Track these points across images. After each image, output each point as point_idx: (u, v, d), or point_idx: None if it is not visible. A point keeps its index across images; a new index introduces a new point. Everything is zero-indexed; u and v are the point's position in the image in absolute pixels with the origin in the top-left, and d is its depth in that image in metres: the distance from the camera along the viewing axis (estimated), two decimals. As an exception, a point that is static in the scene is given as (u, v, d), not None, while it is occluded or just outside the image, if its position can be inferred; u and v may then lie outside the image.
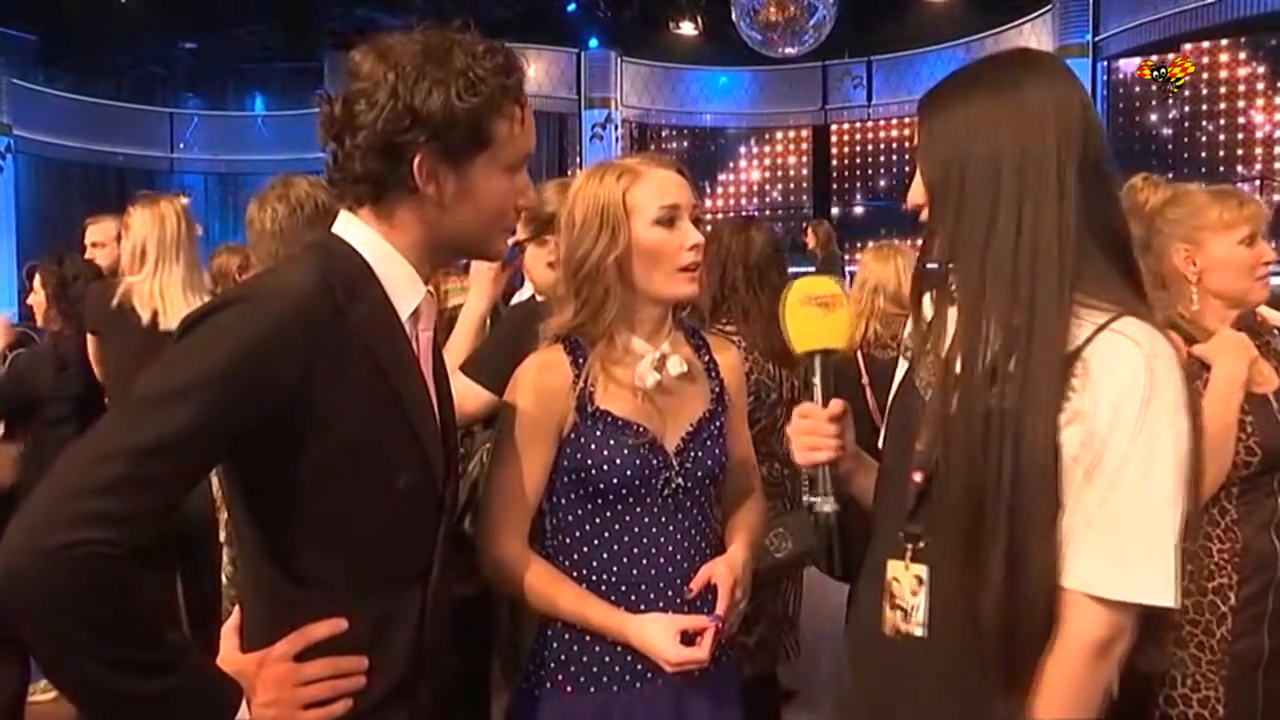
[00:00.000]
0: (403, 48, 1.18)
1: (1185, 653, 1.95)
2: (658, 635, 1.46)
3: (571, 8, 13.61)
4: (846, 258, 10.50)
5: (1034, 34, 12.13)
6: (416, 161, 1.17)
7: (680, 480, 1.53)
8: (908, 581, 1.25)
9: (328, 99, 1.21)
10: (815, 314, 1.36)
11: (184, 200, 3.40)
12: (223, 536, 2.41)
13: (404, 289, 1.24)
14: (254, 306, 1.11)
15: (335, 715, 1.16)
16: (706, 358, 1.64)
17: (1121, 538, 1.11)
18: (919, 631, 1.24)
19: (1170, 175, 11.39)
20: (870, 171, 14.69)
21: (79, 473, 1.01)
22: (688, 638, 1.46)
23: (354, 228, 1.24)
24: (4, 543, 0.97)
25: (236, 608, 1.25)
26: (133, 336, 3.12)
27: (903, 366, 1.42)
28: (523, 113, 1.25)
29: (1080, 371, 1.13)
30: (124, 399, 1.09)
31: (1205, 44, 11.42)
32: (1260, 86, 11.46)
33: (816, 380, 1.34)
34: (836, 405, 1.34)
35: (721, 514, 1.72)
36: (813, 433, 1.31)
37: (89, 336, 3.33)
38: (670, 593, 1.51)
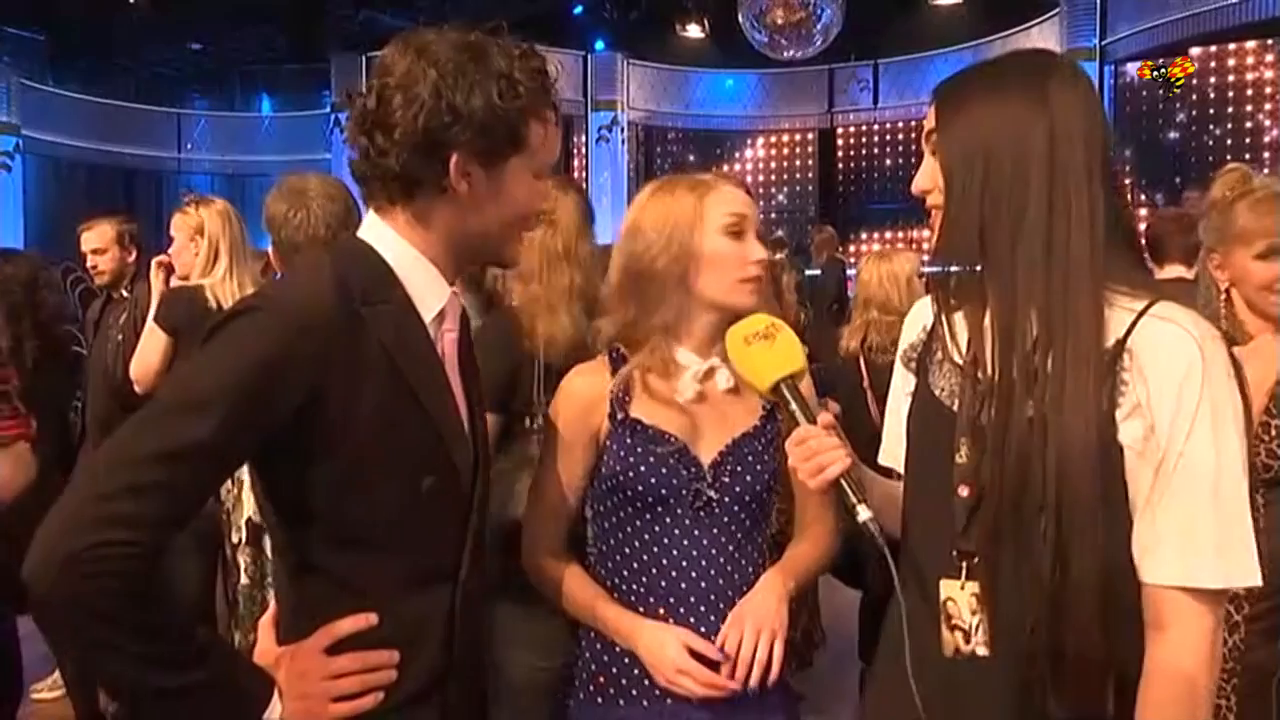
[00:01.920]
0: (440, 45, 1.19)
1: None
2: (668, 645, 1.44)
3: (578, 10, 13.62)
4: (851, 260, 10.47)
5: (1041, 38, 12.10)
6: (453, 160, 1.18)
7: (713, 493, 1.52)
8: (965, 600, 1.20)
9: (359, 93, 1.22)
10: (761, 348, 1.36)
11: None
12: (235, 538, 2.41)
13: (427, 291, 1.24)
14: (269, 314, 1.13)
15: (365, 708, 1.18)
16: None
17: (1209, 525, 1.10)
18: (982, 651, 1.19)
19: (1178, 180, 11.43)
20: (876, 174, 14.67)
21: (103, 477, 1.05)
22: (698, 658, 1.44)
23: (378, 230, 1.25)
24: (32, 546, 1.01)
25: (273, 602, 1.29)
26: None
27: (903, 374, 1.38)
28: (555, 117, 1.27)
29: (1128, 363, 1.12)
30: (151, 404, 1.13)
31: (1213, 48, 11.39)
32: (1268, 91, 11.43)
33: (794, 406, 1.31)
34: (827, 416, 1.30)
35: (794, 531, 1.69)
36: (819, 450, 1.25)
37: (166, 339, 3.17)
38: (703, 608, 1.49)
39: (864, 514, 1.21)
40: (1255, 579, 1.11)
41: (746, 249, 1.54)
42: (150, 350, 3.18)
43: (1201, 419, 1.09)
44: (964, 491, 1.19)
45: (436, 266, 1.25)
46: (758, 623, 1.46)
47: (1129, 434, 1.12)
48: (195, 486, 1.09)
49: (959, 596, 1.21)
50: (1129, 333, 1.13)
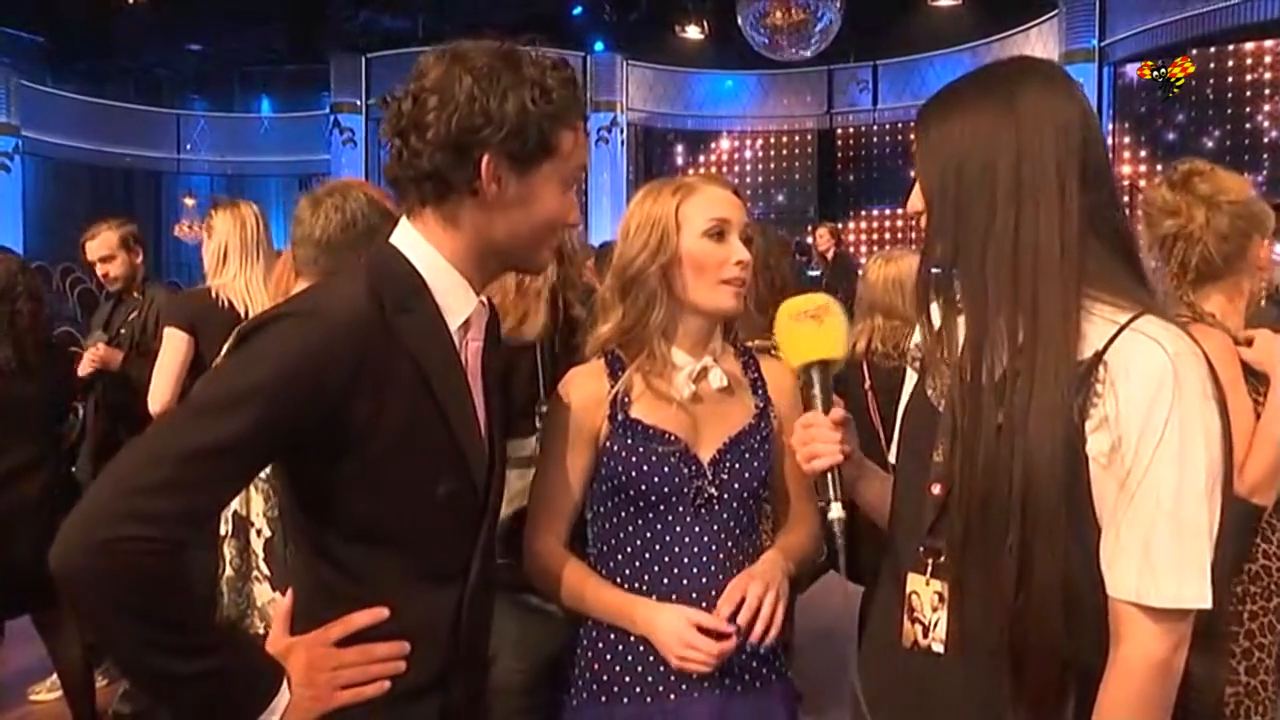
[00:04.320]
0: (476, 53, 1.22)
1: (1255, 680, 1.93)
2: (666, 625, 1.46)
3: (577, 11, 13.64)
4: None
5: (1040, 39, 12.12)
6: (485, 161, 1.21)
7: (713, 490, 1.54)
8: (928, 596, 1.23)
9: (394, 97, 1.26)
10: (808, 327, 1.36)
11: (249, 204, 3.44)
12: (222, 530, 2.41)
13: (455, 300, 1.27)
14: (304, 321, 1.16)
15: (369, 696, 1.22)
16: (754, 374, 1.65)
17: (1166, 545, 1.08)
18: (937, 648, 1.22)
19: (1176, 180, 11.39)
20: (875, 175, 14.69)
21: (132, 472, 1.08)
22: (706, 633, 1.45)
23: (409, 238, 1.27)
24: (61, 533, 1.05)
25: (290, 592, 1.31)
26: (231, 332, 3.12)
27: (911, 377, 1.39)
28: (584, 127, 1.30)
29: (1103, 375, 1.11)
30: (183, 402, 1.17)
31: (1213, 49, 11.41)
32: (1266, 92, 11.45)
33: (816, 391, 1.32)
34: (838, 412, 1.32)
35: (775, 530, 1.71)
36: (816, 440, 1.28)
37: (182, 334, 3.20)
38: (704, 604, 1.50)
39: (834, 512, 1.24)
40: (1206, 602, 1.09)
41: (728, 250, 1.56)
42: (171, 353, 3.19)
43: (1168, 439, 1.08)
44: (935, 489, 1.20)
45: (464, 275, 1.28)
46: (762, 579, 1.49)
47: (1096, 446, 1.11)
48: (224, 484, 1.14)
49: (923, 591, 1.23)
50: (1108, 345, 1.11)
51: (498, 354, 1.42)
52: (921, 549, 1.22)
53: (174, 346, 3.19)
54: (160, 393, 3.17)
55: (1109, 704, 1.12)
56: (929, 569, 1.22)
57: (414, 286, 1.24)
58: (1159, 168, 11.82)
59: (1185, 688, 1.14)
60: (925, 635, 1.23)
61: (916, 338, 1.38)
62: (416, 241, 1.27)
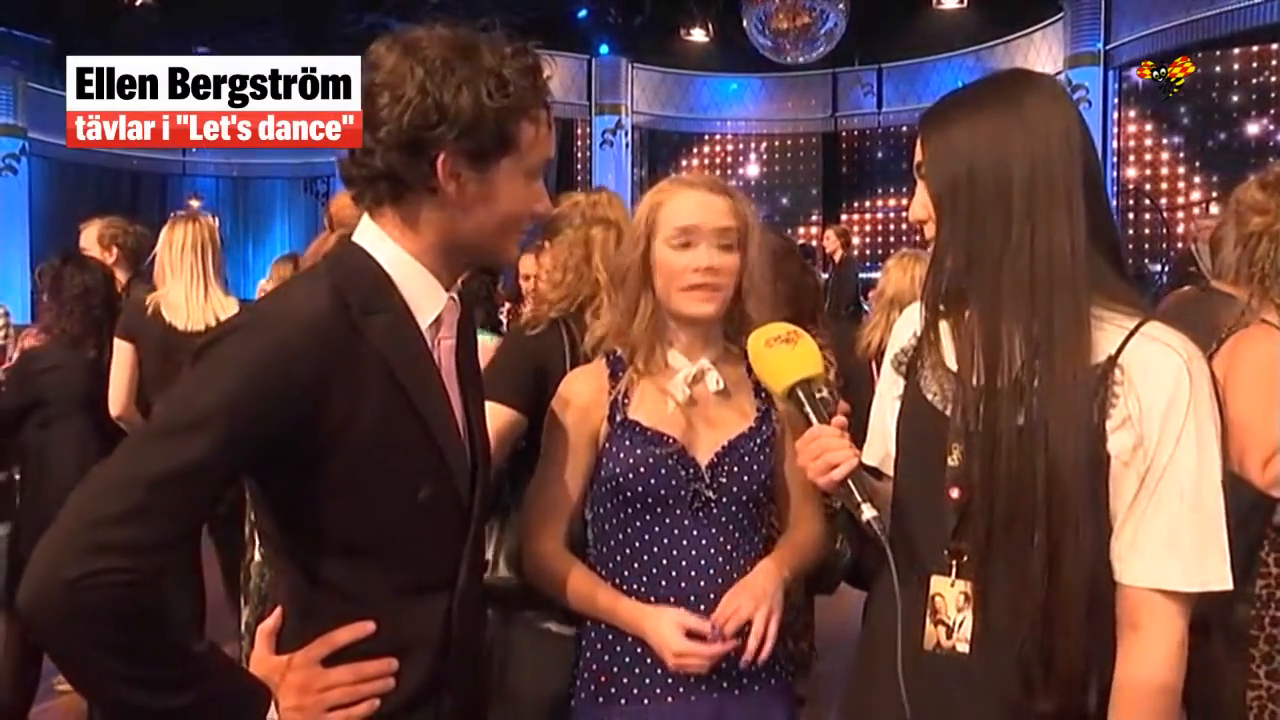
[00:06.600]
0: (429, 42, 1.15)
1: (1278, 684, 1.93)
2: (656, 628, 1.47)
3: (582, 14, 13.64)
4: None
5: (1045, 43, 12.10)
6: (440, 160, 1.15)
7: (710, 493, 1.54)
8: (953, 598, 1.25)
9: None
10: (783, 350, 1.37)
11: (201, 217, 3.64)
12: (254, 514, 2.46)
13: (424, 298, 1.22)
14: (263, 332, 1.11)
15: (358, 716, 1.17)
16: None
17: (1190, 532, 1.16)
18: (963, 647, 1.24)
19: (1181, 184, 11.41)
20: (879, 178, 14.68)
21: (96, 503, 1.02)
22: (695, 637, 1.46)
23: (373, 235, 1.22)
24: (27, 572, 0.99)
25: (278, 610, 1.26)
26: (159, 341, 3.40)
27: (892, 377, 1.40)
28: (547, 117, 1.23)
29: (1120, 378, 1.18)
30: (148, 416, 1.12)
31: (1217, 52, 11.39)
32: (1272, 95, 11.42)
33: (809, 408, 1.32)
34: (841, 419, 1.32)
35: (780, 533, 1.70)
36: (827, 450, 1.27)
37: (125, 344, 3.44)
38: (702, 606, 1.50)
39: (869, 513, 1.23)
40: (1227, 583, 1.17)
41: (691, 258, 1.54)
42: (118, 363, 3.42)
43: (1187, 434, 1.16)
44: (955, 493, 1.23)
45: (432, 272, 1.23)
46: (754, 598, 1.48)
47: (1118, 445, 1.17)
48: (193, 507, 1.07)
49: (948, 593, 1.25)
50: (1120, 350, 1.18)
51: (472, 352, 1.38)
52: (946, 551, 1.25)
53: (119, 356, 3.45)
54: (114, 399, 3.44)
55: (1132, 691, 1.17)
56: (954, 570, 1.25)
57: (380, 285, 1.19)
58: (1164, 171, 11.82)
59: (1212, 679, 1.20)
60: (949, 636, 1.25)
61: (902, 342, 1.39)
62: (380, 239, 1.21)
